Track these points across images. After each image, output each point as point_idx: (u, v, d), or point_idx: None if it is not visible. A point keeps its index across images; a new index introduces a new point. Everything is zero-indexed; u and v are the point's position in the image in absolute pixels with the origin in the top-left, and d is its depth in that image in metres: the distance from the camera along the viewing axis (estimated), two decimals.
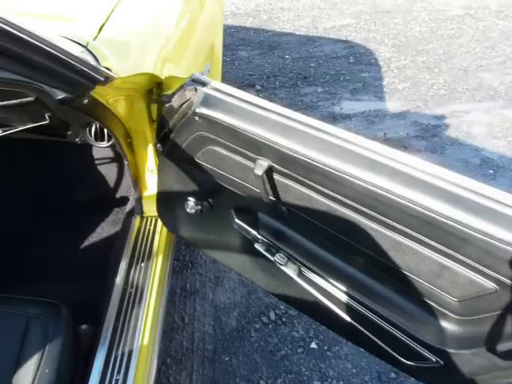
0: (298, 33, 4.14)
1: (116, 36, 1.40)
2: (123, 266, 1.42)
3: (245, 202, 1.24)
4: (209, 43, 2.02)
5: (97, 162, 1.90)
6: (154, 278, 1.40)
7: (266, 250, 1.22)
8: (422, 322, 1.01)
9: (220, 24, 2.21)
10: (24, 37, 0.85)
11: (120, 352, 1.22)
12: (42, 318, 1.18)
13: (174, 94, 1.20)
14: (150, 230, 1.56)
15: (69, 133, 1.44)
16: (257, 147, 1.04)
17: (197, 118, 1.11)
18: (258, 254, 1.26)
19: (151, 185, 1.58)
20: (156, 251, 1.48)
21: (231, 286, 1.89)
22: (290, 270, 1.19)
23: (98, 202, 1.89)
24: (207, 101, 1.08)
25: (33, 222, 1.76)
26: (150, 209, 1.61)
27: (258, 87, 3.28)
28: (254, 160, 1.07)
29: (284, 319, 1.78)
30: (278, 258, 1.20)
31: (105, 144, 1.43)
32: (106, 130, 1.40)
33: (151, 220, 1.60)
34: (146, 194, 1.60)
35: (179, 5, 1.74)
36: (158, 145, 1.38)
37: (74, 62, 0.98)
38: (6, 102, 1.22)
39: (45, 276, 1.62)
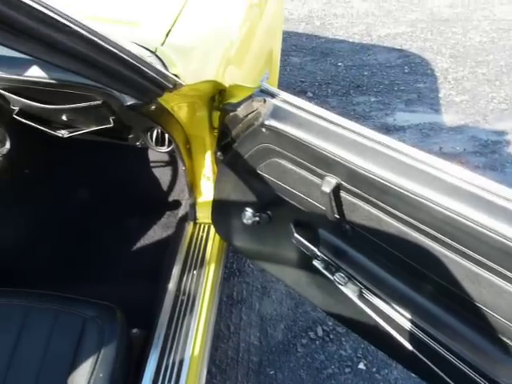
0: (351, 40, 4.06)
1: (182, 42, 1.40)
2: (176, 272, 1.42)
3: (305, 217, 1.21)
4: (268, 49, 2.01)
5: (151, 165, 1.92)
6: (206, 286, 1.39)
7: (325, 268, 1.19)
8: (497, 361, 0.94)
9: (279, 30, 2.20)
10: (103, 44, 0.85)
11: (171, 360, 1.21)
12: (97, 321, 1.19)
13: (239, 103, 1.19)
14: (202, 236, 1.55)
15: (130, 136, 1.45)
16: (326, 163, 1.01)
17: (264, 130, 1.08)
18: (315, 270, 1.22)
19: (206, 191, 1.57)
20: (208, 259, 1.47)
21: (278, 298, 1.86)
22: (350, 291, 1.14)
23: (151, 204, 1.90)
24: (276, 113, 1.05)
25: (88, 222, 1.80)
26: (204, 215, 1.60)
27: (310, 94, 3.24)
28: (321, 176, 1.04)
29: (332, 336, 1.73)
30: (338, 278, 1.16)
31: (164, 149, 1.44)
32: (166, 136, 1.40)
33: (204, 227, 1.59)
34: (200, 200, 1.59)
35: (241, 11, 1.73)
36: (219, 153, 1.37)
37: (146, 69, 0.98)
38: (75, 105, 1.24)
39: (96, 276, 1.65)
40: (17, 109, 1.36)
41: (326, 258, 1.19)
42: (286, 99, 1.07)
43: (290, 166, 1.12)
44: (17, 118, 1.36)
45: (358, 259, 1.14)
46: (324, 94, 3.27)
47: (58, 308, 1.21)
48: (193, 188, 1.56)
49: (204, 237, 1.55)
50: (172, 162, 1.91)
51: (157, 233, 1.80)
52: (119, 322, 1.21)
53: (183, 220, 1.66)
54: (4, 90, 1.27)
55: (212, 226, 1.56)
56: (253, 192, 1.31)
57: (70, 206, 1.80)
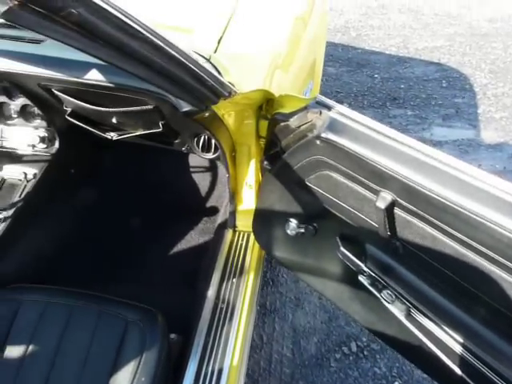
0: (387, 52, 4.03)
1: (233, 50, 1.41)
2: (215, 279, 1.41)
3: (353, 231, 1.19)
4: (312, 60, 2.00)
5: (190, 170, 1.93)
6: (246, 295, 1.38)
7: (371, 285, 1.16)
8: None
9: (323, 42, 2.19)
10: (171, 51, 0.86)
11: (210, 368, 1.20)
12: (139, 324, 1.20)
13: (292, 113, 1.18)
14: (242, 244, 1.55)
15: (176, 141, 1.46)
16: (381, 179, 0.99)
17: (318, 142, 1.07)
18: (360, 286, 1.20)
19: (247, 200, 1.57)
20: (248, 268, 1.46)
21: (312, 310, 1.83)
22: (397, 310, 1.11)
23: (188, 209, 1.91)
24: (333, 126, 1.04)
25: (127, 223, 1.82)
26: (243, 223, 1.60)
27: (346, 105, 3.21)
28: (375, 192, 1.02)
29: (366, 352, 1.70)
30: (385, 295, 1.13)
31: (210, 155, 1.44)
32: (213, 142, 1.41)
33: (243, 235, 1.58)
34: (240, 208, 1.59)
35: (287, 22, 1.73)
36: (266, 162, 1.37)
37: (206, 77, 0.98)
38: (127, 109, 1.26)
39: (134, 278, 1.66)
40: (69, 110, 1.39)
41: (372, 274, 1.16)
42: (343, 112, 1.06)
43: (341, 179, 1.11)
44: (68, 118, 1.38)
45: (408, 278, 1.11)
46: (360, 105, 3.24)
47: (101, 309, 1.22)
48: (234, 196, 1.55)
49: (243, 245, 1.54)
50: (211, 167, 1.91)
51: (193, 238, 1.80)
52: (160, 327, 1.21)
53: (222, 227, 1.66)
54: (59, 91, 1.30)
55: (251, 235, 1.56)
56: (299, 203, 1.30)
57: (111, 206, 1.82)
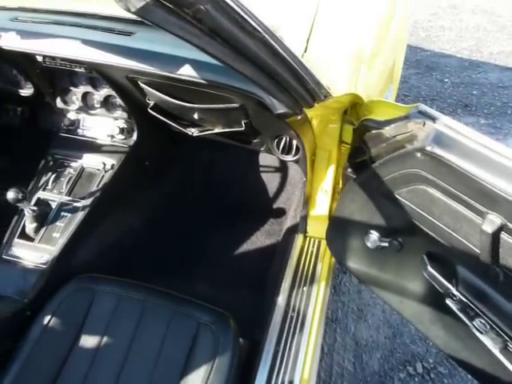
0: (459, 55, 3.83)
1: (322, 50, 1.35)
2: (285, 285, 1.37)
3: (444, 250, 1.11)
4: (392, 64, 1.91)
5: (260, 169, 1.89)
6: (316, 306, 1.33)
7: (462, 311, 1.08)
8: None
9: (403, 45, 2.09)
10: (281, 51, 0.82)
11: (280, 380, 1.16)
12: (212, 328, 1.17)
13: (389, 121, 1.11)
14: (313, 252, 1.49)
15: (255, 140, 1.43)
16: (490, 200, 0.91)
17: (419, 155, 1.00)
18: (446, 310, 1.12)
19: (320, 205, 1.52)
20: (319, 276, 1.41)
21: (375, 324, 1.76)
22: (491, 341, 1.03)
23: (255, 208, 1.88)
24: (439, 139, 0.96)
25: (196, 220, 1.81)
26: (314, 229, 1.55)
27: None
28: (480, 213, 0.94)
29: (432, 375, 1.61)
30: (478, 324, 1.05)
31: (290, 158, 1.40)
32: (294, 145, 1.36)
33: (314, 241, 1.53)
34: (312, 213, 1.54)
35: (371, 24, 1.65)
36: (349, 169, 1.31)
37: (307, 78, 0.94)
38: (213, 106, 1.23)
39: (199, 277, 1.64)
40: (152, 103, 1.38)
41: (464, 300, 1.08)
42: (449, 125, 0.98)
43: (439, 195, 1.03)
44: (150, 111, 1.37)
45: (507, 308, 1.03)
46: None
47: (174, 308, 1.21)
48: (308, 200, 1.50)
49: (314, 252, 1.49)
50: (281, 168, 1.87)
51: (259, 239, 1.76)
52: (233, 331, 1.18)
53: (291, 231, 1.61)
54: (145, 84, 1.29)
55: (322, 242, 1.51)
56: (383, 216, 1.23)
57: (180, 203, 1.82)
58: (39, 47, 1.24)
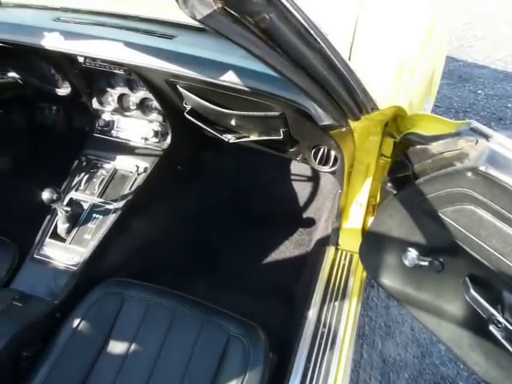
0: (493, 66, 3.74)
1: (364, 59, 1.31)
2: (316, 299, 1.33)
3: (489, 274, 1.06)
4: (431, 75, 1.86)
5: (291, 177, 1.86)
6: (348, 322, 1.30)
7: (506, 339, 1.03)
8: None
9: (443, 55, 2.03)
10: (337, 63, 0.79)
11: None
12: (242, 340, 1.15)
13: (436, 137, 1.07)
14: (344, 265, 1.45)
15: (292, 150, 1.40)
16: None
17: (470, 174, 0.95)
18: (488, 336, 1.07)
19: (354, 218, 1.48)
20: (351, 291, 1.37)
21: (403, 341, 1.71)
22: None
23: (284, 217, 1.85)
24: (493, 159, 0.92)
25: (224, 226, 1.78)
26: (346, 242, 1.51)
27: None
28: None
29: None
30: None
31: (326, 169, 1.36)
32: (332, 156, 1.33)
33: (346, 254, 1.49)
34: (345, 226, 1.50)
35: (414, 34, 1.61)
36: (389, 184, 1.27)
37: (358, 90, 0.91)
38: (252, 113, 1.21)
39: (226, 285, 1.61)
40: (188, 107, 1.36)
41: (510, 328, 1.03)
42: (504, 144, 0.93)
43: (489, 217, 0.98)
44: (187, 116, 1.36)
45: None
46: None
47: (204, 317, 1.19)
48: (342, 212, 1.47)
49: (346, 266, 1.45)
50: (312, 178, 1.84)
51: (288, 249, 1.73)
52: (263, 345, 1.15)
53: (321, 243, 1.58)
54: (184, 88, 1.27)
55: (355, 256, 1.47)
56: (424, 234, 1.19)
57: (209, 209, 1.80)
58: (81, 48, 1.23)
